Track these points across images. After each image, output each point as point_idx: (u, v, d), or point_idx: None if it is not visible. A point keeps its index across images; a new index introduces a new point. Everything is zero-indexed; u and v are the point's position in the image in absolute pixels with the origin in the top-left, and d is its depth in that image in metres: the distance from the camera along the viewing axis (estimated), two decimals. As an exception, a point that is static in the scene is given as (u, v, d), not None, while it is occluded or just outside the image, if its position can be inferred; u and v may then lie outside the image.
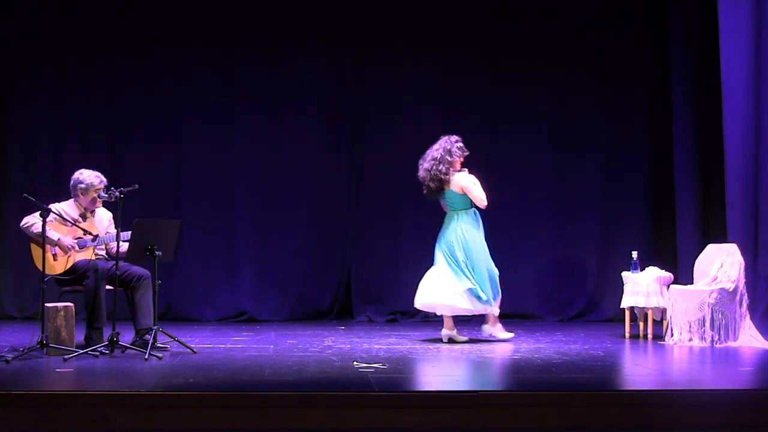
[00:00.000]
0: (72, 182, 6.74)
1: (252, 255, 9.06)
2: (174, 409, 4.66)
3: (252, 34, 9.11)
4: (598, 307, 9.14)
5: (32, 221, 6.40)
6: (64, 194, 6.95)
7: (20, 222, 6.55)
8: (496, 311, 7.28)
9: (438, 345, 7.07)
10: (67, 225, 6.53)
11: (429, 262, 7.41)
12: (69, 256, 6.51)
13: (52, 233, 6.42)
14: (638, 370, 6.14)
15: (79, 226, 6.50)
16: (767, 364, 6.21)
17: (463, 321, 8.93)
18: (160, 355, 6.05)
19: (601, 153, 9.26)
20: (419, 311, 7.98)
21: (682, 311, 7.16)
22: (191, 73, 9.06)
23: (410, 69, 9.17)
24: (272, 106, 9.14)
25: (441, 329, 7.27)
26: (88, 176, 6.70)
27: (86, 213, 6.75)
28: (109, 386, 5.10)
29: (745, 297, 7.15)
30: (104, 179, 6.74)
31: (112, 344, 6.13)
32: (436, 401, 4.82)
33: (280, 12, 9.13)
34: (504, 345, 7.08)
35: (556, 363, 6.05)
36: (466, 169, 7.26)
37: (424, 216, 8.24)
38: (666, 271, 7.67)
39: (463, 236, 7.15)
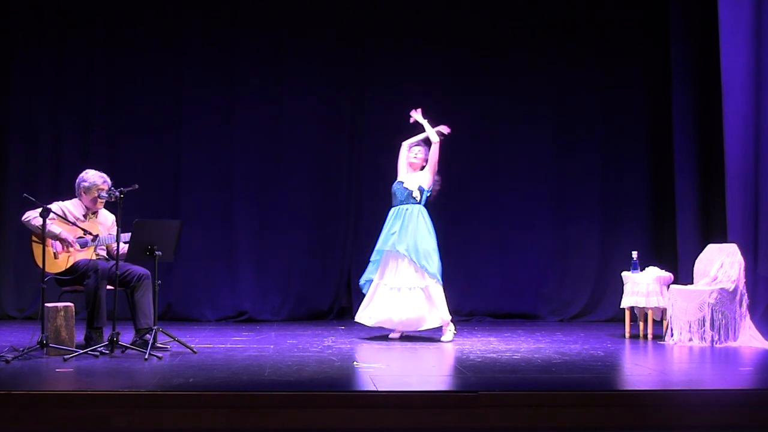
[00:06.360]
0: (77, 181, 6.77)
1: (252, 255, 9.06)
2: (174, 409, 4.65)
3: (252, 35, 9.11)
4: (598, 307, 9.14)
5: (34, 215, 6.40)
6: (63, 194, 6.96)
7: (22, 216, 6.54)
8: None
9: (438, 344, 7.08)
10: (67, 224, 6.53)
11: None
12: (70, 255, 6.51)
13: (54, 227, 6.43)
14: (638, 370, 6.14)
15: (79, 225, 6.50)
16: (767, 364, 6.21)
17: (464, 321, 8.96)
18: (160, 355, 6.04)
19: (601, 153, 9.27)
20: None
21: (682, 311, 7.16)
22: (191, 72, 9.06)
23: (411, 68, 9.16)
24: (272, 107, 9.14)
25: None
26: (92, 176, 6.72)
27: (89, 213, 6.75)
28: (109, 386, 5.09)
29: (745, 297, 7.14)
30: (108, 180, 6.75)
31: (112, 344, 6.12)
32: (437, 401, 4.81)
33: (280, 11, 9.13)
34: (503, 345, 7.07)
35: (556, 363, 6.04)
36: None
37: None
38: (666, 271, 7.67)
39: None
